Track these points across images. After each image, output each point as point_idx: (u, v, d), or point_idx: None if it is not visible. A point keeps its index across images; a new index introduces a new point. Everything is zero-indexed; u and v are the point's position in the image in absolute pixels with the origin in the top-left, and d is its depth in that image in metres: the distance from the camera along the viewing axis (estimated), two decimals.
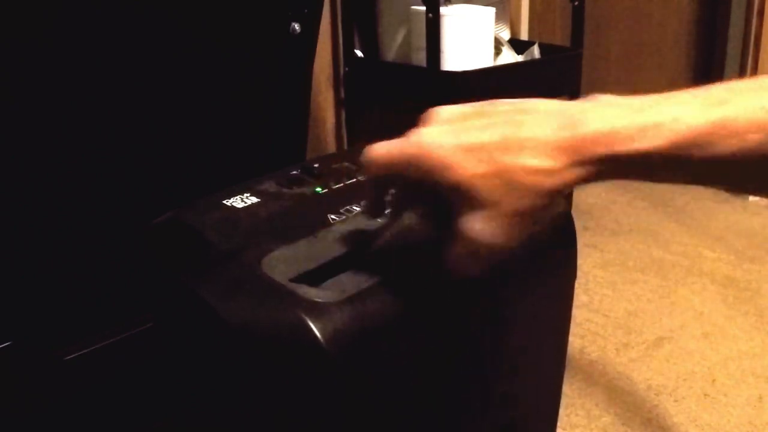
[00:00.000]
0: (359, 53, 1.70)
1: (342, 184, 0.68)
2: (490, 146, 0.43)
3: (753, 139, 0.40)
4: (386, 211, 0.56)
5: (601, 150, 0.41)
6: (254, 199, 0.65)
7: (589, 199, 2.11)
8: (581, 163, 0.42)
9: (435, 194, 0.46)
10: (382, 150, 0.47)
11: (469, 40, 1.48)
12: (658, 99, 0.43)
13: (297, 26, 0.94)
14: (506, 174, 0.43)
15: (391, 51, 1.65)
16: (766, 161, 0.41)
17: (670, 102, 0.42)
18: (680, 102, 0.42)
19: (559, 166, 0.42)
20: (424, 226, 0.55)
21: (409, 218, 0.55)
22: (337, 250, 0.56)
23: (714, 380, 1.30)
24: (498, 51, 1.61)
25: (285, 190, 0.67)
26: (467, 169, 0.43)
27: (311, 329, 0.48)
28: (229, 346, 0.53)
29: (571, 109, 0.43)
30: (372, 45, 1.71)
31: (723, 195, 2.15)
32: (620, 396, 1.27)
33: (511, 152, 0.42)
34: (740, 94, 0.42)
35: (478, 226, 0.44)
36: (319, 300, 0.50)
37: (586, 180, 0.43)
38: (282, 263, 0.54)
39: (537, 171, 0.42)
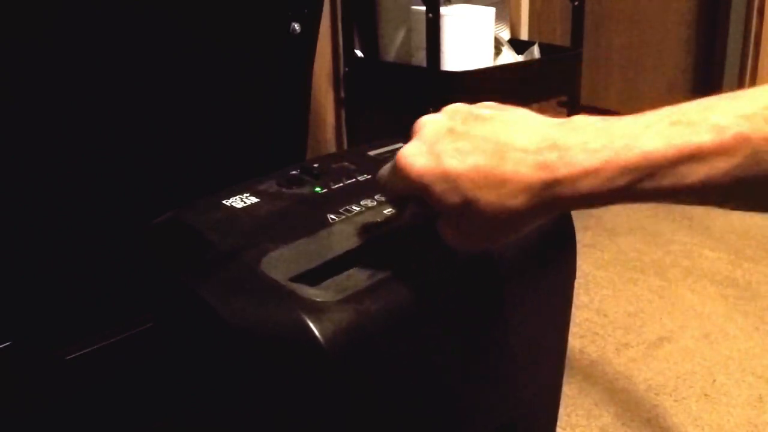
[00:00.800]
0: (359, 53, 1.70)
1: (342, 184, 0.68)
2: (467, 177, 0.43)
3: (720, 166, 0.38)
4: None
5: (571, 192, 0.41)
6: (254, 199, 0.65)
7: None
8: (550, 203, 0.42)
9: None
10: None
11: (469, 40, 1.48)
12: (632, 132, 0.40)
13: (297, 26, 0.94)
14: (477, 205, 0.44)
15: (391, 51, 1.65)
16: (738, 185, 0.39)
17: (644, 134, 0.40)
18: (652, 135, 0.40)
19: (530, 207, 0.43)
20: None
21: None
22: (337, 249, 0.56)
23: (714, 380, 1.30)
24: (498, 51, 1.61)
25: (285, 190, 0.67)
26: (441, 195, 0.45)
27: (311, 329, 0.48)
28: (229, 346, 0.53)
29: (550, 138, 0.42)
30: (372, 45, 1.71)
31: None
32: (620, 396, 1.26)
33: (488, 188, 0.43)
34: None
35: (449, 236, 0.48)
36: (319, 300, 0.50)
37: (549, 216, 0.45)
38: (282, 263, 0.54)
39: (510, 211, 0.43)
